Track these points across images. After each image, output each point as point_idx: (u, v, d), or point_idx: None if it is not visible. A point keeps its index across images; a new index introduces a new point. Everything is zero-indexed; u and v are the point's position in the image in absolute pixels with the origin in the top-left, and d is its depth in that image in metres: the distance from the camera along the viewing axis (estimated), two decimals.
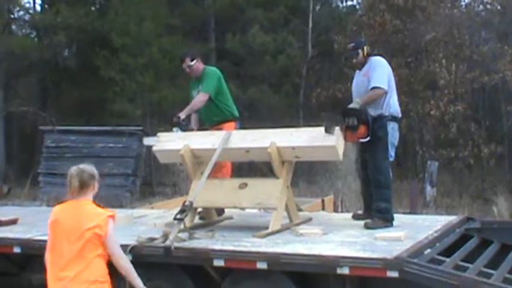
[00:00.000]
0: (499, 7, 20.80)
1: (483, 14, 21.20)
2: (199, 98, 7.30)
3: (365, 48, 6.70)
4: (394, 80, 6.74)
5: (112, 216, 4.53)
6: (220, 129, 7.13)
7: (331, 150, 6.11)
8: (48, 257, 4.54)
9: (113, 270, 4.65)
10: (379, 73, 6.48)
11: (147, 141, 7.34)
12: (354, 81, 6.91)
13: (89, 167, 4.61)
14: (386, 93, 6.43)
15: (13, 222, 7.43)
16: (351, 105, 6.43)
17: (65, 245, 4.39)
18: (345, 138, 6.21)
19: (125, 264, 4.57)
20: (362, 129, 6.28)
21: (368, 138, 6.33)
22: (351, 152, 6.74)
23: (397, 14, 20.64)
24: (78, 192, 4.49)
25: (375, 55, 6.88)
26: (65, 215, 4.51)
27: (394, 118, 6.60)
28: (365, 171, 6.76)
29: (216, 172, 6.83)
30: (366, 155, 6.67)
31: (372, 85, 6.43)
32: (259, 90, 23.19)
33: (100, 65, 22.72)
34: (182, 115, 7.14)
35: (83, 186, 4.50)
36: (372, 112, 6.44)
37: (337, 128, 6.12)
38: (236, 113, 7.63)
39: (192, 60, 7.44)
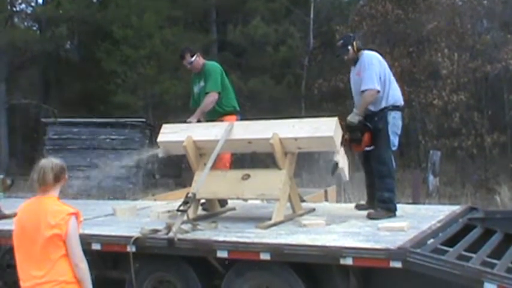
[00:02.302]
0: None
1: (485, 3, 21.09)
2: (209, 99, 7.26)
3: (355, 43, 6.62)
4: (396, 71, 6.72)
5: (75, 214, 4.11)
6: (222, 121, 7.11)
7: (332, 141, 6.12)
8: (16, 255, 4.26)
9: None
10: (368, 74, 6.45)
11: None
12: (351, 79, 6.89)
13: (57, 159, 4.29)
14: (378, 92, 6.42)
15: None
16: (351, 118, 6.44)
17: (29, 244, 4.12)
18: (351, 149, 6.28)
19: (83, 268, 4.11)
20: (366, 138, 6.41)
21: (373, 147, 6.45)
22: None
23: (399, 3, 20.57)
24: (52, 186, 4.17)
25: (366, 49, 6.79)
26: (27, 213, 4.27)
27: (395, 107, 6.58)
28: (368, 161, 6.76)
29: (215, 163, 6.82)
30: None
31: (362, 88, 6.45)
32: (260, 81, 23.15)
33: (102, 57, 22.73)
34: (193, 119, 7.13)
35: (56, 180, 4.17)
36: (373, 108, 6.47)
37: (336, 119, 6.16)
38: (237, 106, 7.62)
39: (192, 56, 7.44)
